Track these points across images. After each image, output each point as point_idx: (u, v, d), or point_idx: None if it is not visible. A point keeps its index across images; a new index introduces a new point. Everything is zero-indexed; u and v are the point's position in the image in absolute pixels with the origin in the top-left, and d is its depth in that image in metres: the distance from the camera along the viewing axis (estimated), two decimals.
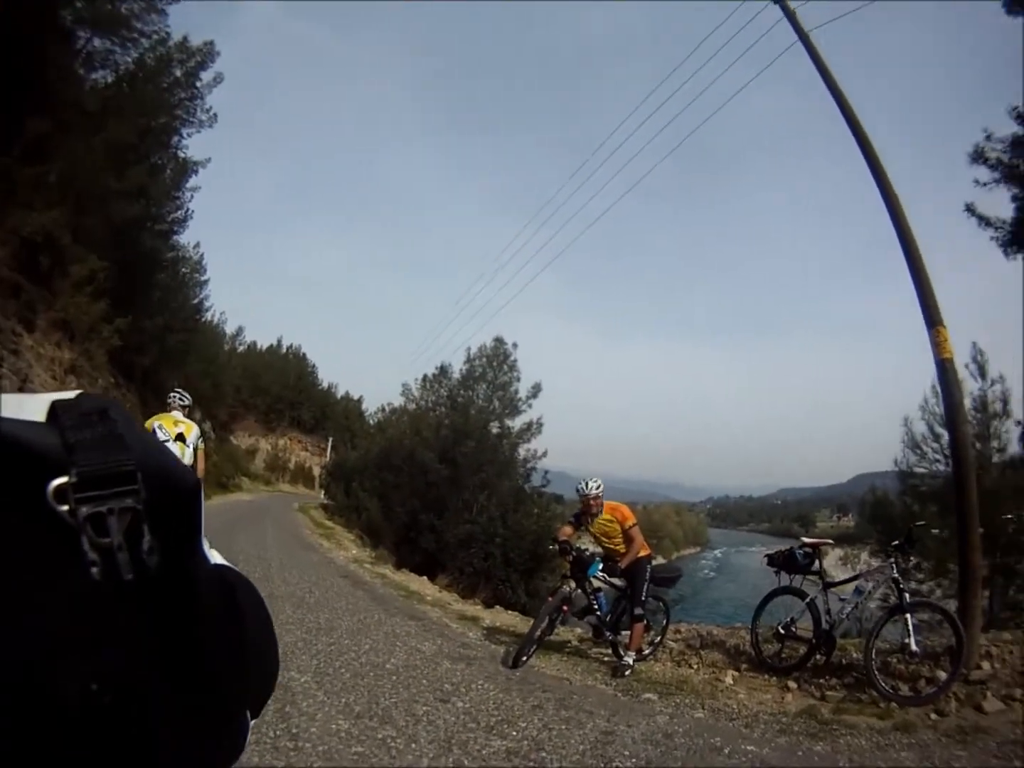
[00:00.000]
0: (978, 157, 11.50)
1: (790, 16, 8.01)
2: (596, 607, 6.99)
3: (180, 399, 8.05)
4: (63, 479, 0.42)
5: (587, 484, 6.98)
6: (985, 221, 11.83)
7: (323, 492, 37.22)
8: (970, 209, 11.91)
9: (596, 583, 7.09)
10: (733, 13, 9.19)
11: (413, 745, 4.13)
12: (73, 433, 0.45)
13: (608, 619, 7.08)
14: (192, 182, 24.48)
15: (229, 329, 51.71)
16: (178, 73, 21.24)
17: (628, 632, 6.86)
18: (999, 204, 11.99)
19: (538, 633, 6.66)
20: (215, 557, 0.60)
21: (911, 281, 6.88)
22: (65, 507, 0.41)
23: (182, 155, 23.50)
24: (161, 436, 7.26)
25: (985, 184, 11.52)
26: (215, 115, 22.55)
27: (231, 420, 50.16)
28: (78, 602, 0.41)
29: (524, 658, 6.48)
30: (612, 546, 7.05)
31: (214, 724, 0.51)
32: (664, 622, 7.67)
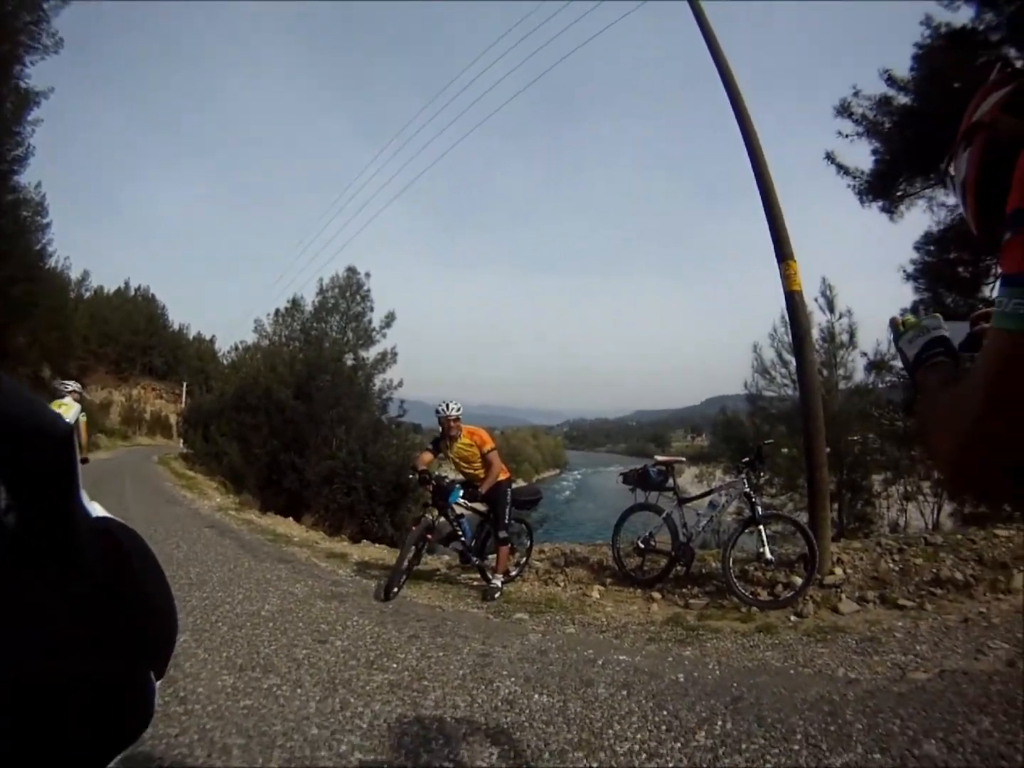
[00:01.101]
0: (844, 111, 11.88)
1: None
2: (460, 533, 6.98)
3: (65, 386, 8.59)
4: None
5: (447, 406, 6.87)
6: (844, 170, 12.32)
7: (182, 441, 35.23)
8: (830, 157, 12.37)
9: (458, 509, 7.07)
10: None
11: (299, 690, 4.02)
12: None
13: (473, 544, 7.09)
14: (34, 115, 21.48)
15: (74, 275, 46.72)
16: None
17: (494, 556, 6.93)
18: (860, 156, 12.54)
19: (406, 564, 6.54)
20: (97, 510, 0.58)
21: (764, 216, 6.98)
22: None
23: (24, 85, 20.54)
24: None
25: (847, 136, 11.96)
26: (61, 39, 20.06)
27: (82, 374, 45.78)
28: None
29: (395, 590, 6.37)
30: (472, 471, 7.01)
31: (118, 688, 0.49)
32: (528, 543, 7.78)
